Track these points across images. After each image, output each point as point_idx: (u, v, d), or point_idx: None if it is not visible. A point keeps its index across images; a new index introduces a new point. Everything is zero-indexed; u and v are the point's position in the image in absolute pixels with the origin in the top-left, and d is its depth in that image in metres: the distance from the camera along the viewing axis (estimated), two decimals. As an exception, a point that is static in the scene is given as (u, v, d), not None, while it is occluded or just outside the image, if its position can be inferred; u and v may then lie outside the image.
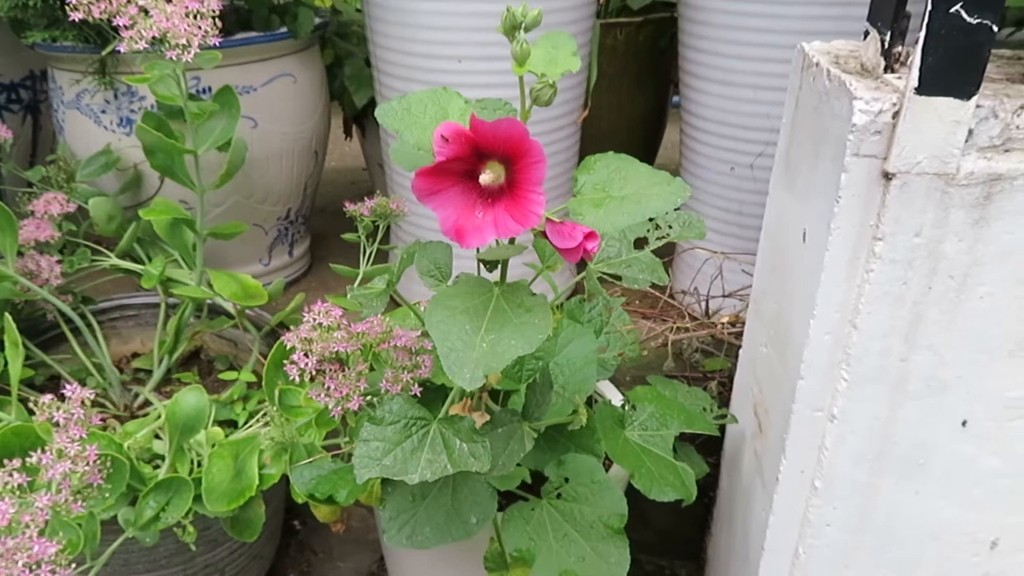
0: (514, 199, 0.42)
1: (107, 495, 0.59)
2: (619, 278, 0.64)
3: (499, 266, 0.50)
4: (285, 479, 0.92)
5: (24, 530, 0.52)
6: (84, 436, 0.55)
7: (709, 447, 0.95)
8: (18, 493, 0.53)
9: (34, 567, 0.50)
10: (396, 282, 0.55)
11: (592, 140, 1.18)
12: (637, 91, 1.28)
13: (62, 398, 0.58)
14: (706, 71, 1.00)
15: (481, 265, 0.53)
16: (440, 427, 0.53)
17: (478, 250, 0.48)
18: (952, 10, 0.51)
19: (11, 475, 0.53)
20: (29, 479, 0.55)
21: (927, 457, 0.65)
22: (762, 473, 0.74)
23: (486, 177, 0.42)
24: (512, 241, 0.49)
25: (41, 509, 0.53)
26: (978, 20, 0.51)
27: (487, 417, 0.63)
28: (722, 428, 0.88)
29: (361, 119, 1.43)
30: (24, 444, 0.62)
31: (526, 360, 0.67)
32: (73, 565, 0.53)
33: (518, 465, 0.66)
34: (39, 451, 0.55)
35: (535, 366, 0.66)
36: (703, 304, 0.99)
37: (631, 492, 0.68)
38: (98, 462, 0.56)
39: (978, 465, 0.65)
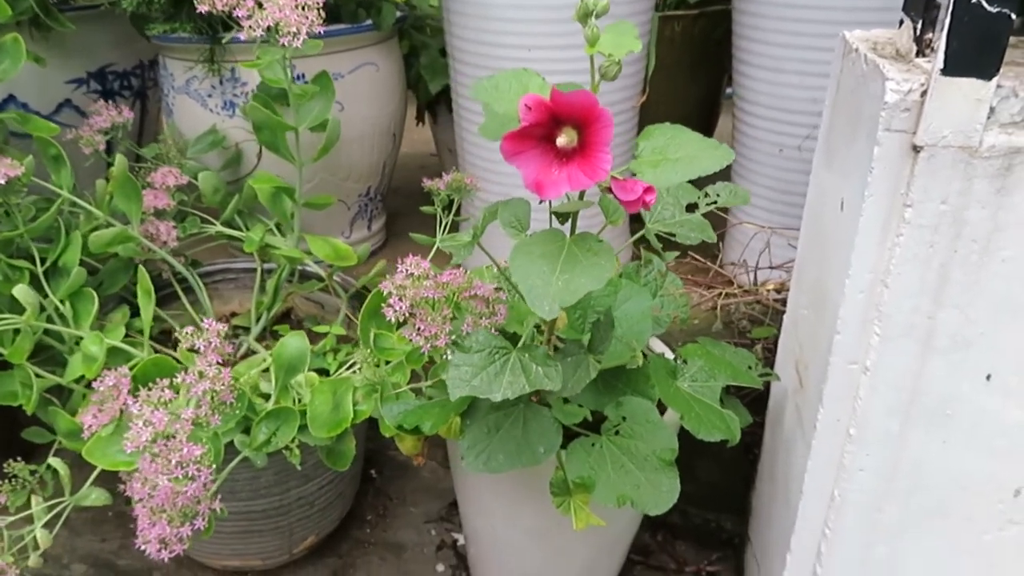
0: (585, 157, 0.51)
1: (236, 413, 0.70)
2: (673, 235, 0.72)
3: (570, 218, 0.59)
4: (363, 428, 1.01)
5: (175, 435, 0.62)
6: (219, 361, 0.66)
7: (755, 407, 1.02)
8: (167, 407, 0.64)
9: (184, 464, 0.61)
10: (480, 235, 0.64)
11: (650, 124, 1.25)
12: (691, 81, 1.35)
13: (200, 330, 0.69)
14: (757, 59, 1.07)
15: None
16: (519, 355, 0.62)
17: (551, 204, 0.57)
18: (974, 0, 0.57)
19: (163, 391, 0.64)
20: (174, 397, 0.66)
21: (954, 409, 0.70)
22: (802, 424, 0.81)
23: (562, 140, 0.51)
24: (582, 198, 0.58)
25: (187, 420, 0.63)
26: (998, 9, 0.57)
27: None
28: (767, 388, 0.95)
29: (434, 106, 1.52)
30: (161, 373, 0.72)
31: (588, 313, 0.76)
32: (213, 467, 0.64)
33: (580, 405, 0.75)
34: (183, 372, 0.66)
35: (596, 318, 0.74)
36: (751, 275, 1.06)
37: (681, 454, 0.75)
38: (230, 384, 0.67)
39: (1002, 417, 0.69)
